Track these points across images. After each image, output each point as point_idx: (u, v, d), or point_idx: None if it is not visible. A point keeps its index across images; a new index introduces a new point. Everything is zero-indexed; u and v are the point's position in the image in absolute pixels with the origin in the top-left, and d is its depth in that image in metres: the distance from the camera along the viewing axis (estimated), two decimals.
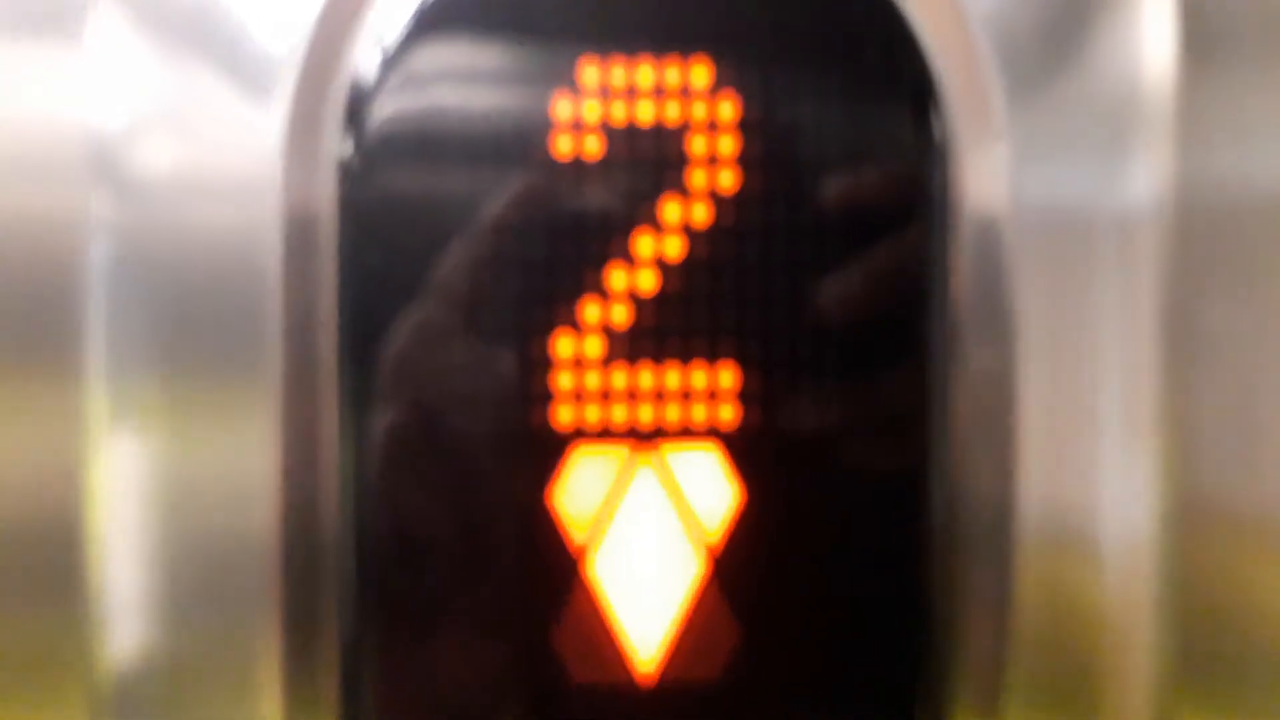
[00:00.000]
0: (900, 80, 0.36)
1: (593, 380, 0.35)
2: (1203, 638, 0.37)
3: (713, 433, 0.36)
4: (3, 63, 0.36)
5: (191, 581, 0.36)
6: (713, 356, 0.36)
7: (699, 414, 0.36)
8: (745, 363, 0.36)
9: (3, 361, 0.36)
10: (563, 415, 0.35)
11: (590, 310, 0.35)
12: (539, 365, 0.35)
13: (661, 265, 0.35)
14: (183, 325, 0.36)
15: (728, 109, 0.35)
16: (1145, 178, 0.38)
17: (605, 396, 0.36)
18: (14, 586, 0.36)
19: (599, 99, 0.35)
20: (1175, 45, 0.37)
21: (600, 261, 0.35)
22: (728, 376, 0.36)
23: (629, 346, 0.35)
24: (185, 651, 0.36)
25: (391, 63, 0.35)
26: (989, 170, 0.37)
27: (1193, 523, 0.37)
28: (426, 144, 0.35)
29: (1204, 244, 0.37)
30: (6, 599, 0.36)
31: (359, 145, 0.35)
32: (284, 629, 0.36)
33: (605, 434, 0.36)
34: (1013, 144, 0.37)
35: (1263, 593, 0.38)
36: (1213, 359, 0.37)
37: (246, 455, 0.36)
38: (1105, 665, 0.38)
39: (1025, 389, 0.37)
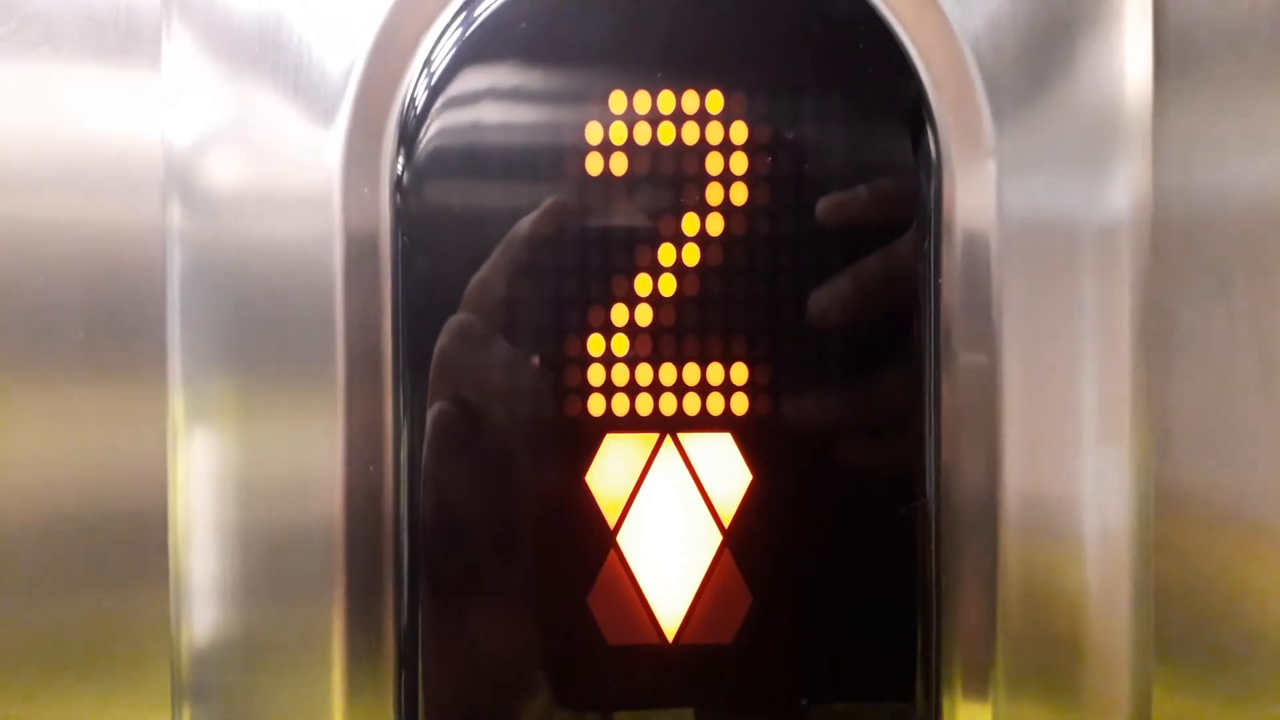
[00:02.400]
0: (897, 103, 0.38)
1: (621, 375, 0.37)
2: (1178, 621, 0.39)
3: (727, 422, 0.38)
4: (85, 84, 0.37)
5: (262, 567, 0.38)
6: (726, 353, 0.37)
7: (714, 405, 0.38)
8: (755, 359, 0.37)
9: (92, 364, 0.37)
10: (596, 406, 0.37)
11: (619, 312, 0.37)
12: (575, 362, 0.37)
13: (681, 272, 0.37)
14: (252, 329, 0.38)
15: (739, 131, 0.37)
16: (1124, 190, 0.39)
17: (633, 390, 0.37)
18: (105, 573, 0.37)
19: (626, 124, 0.37)
20: (1153, 65, 0.39)
21: (628, 268, 0.37)
22: (740, 372, 0.37)
23: (653, 345, 0.37)
24: (257, 633, 0.38)
25: (440, 88, 0.37)
26: (978, 184, 0.39)
27: (1168, 513, 0.39)
28: (472, 162, 0.37)
29: (1179, 251, 0.39)
30: (98, 584, 0.37)
31: (410, 163, 0.37)
32: (347, 608, 0.38)
33: (633, 423, 0.37)
34: (1000, 160, 0.39)
35: (1235, 579, 0.39)
36: (1187, 359, 0.39)
37: (312, 449, 0.38)
38: (1086, 646, 0.40)
39: (1010, 387, 0.39)
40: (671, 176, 0.37)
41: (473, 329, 0.37)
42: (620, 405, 0.37)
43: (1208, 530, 0.39)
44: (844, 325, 0.37)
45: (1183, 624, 0.39)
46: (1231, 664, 0.39)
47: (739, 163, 0.37)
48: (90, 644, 0.37)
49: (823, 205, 0.37)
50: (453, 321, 0.37)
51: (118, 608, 0.37)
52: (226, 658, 0.38)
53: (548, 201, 0.37)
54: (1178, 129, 0.39)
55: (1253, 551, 0.39)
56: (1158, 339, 0.39)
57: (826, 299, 0.37)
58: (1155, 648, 0.39)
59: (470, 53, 0.37)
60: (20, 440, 0.37)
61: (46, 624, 0.37)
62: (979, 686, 0.39)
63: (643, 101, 0.37)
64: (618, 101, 0.37)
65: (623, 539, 0.38)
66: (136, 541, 0.37)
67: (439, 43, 0.38)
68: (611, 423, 0.37)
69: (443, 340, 0.37)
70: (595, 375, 0.37)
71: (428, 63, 0.38)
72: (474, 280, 0.37)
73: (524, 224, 0.37)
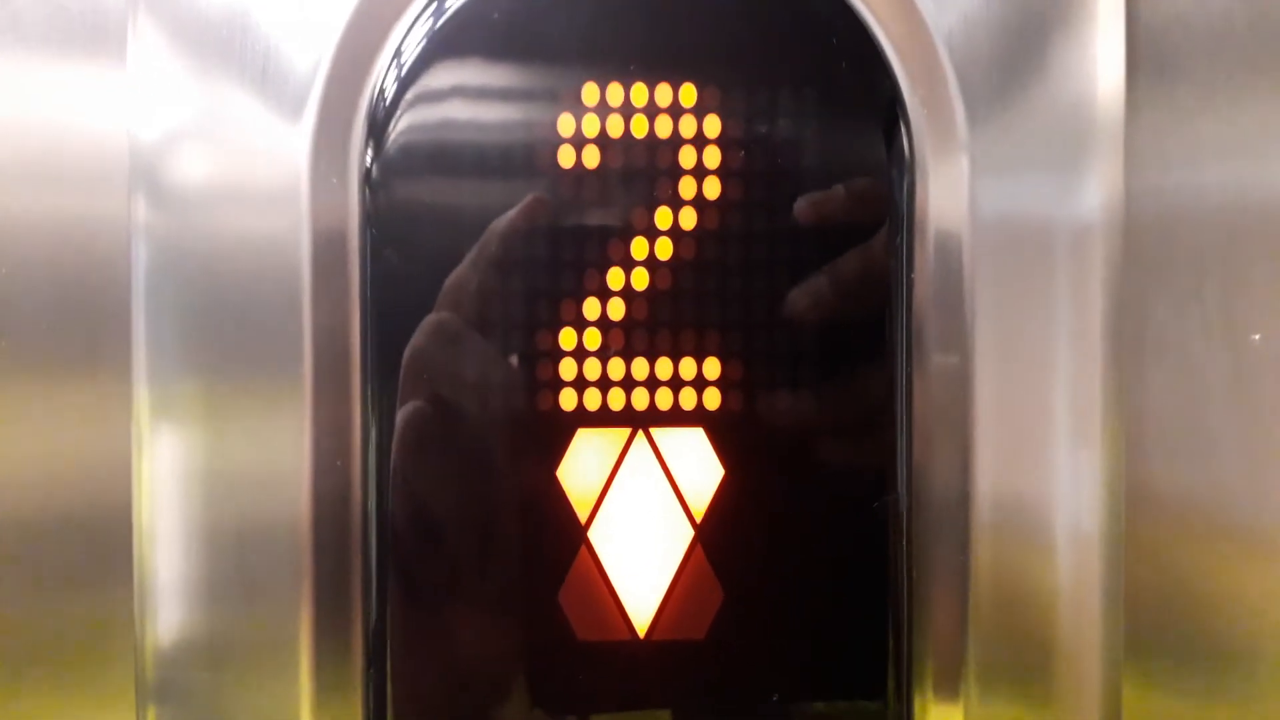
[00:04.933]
0: (871, 99, 0.38)
1: (594, 370, 0.37)
2: (1148, 621, 0.39)
3: (699, 417, 0.38)
4: (50, 79, 0.37)
5: (229, 567, 0.38)
6: (699, 348, 0.37)
7: (687, 400, 0.38)
8: (728, 354, 0.37)
9: (55, 360, 0.37)
10: (568, 401, 0.37)
11: (591, 306, 0.37)
12: (548, 356, 0.37)
13: (653, 266, 0.37)
14: (218, 326, 0.38)
15: (712, 125, 0.37)
16: (1097, 190, 0.39)
17: (605, 384, 0.37)
18: (68, 573, 0.37)
19: (598, 116, 0.37)
20: (1126, 67, 0.39)
21: (600, 262, 0.37)
22: (712, 366, 0.37)
23: (625, 339, 0.37)
24: (223, 633, 0.38)
25: (410, 80, 0.37)
26: (951, 183, 0.39)
27: (1140, 513, 0.39)
28: (442, 155, 0.37)
29: (1152, 252, 0.39)
30: (62, 585, 0.37)
31: (380, 156, 0.37)
32: (315, 607, 0.38)
33: (605, 418, 0.37)
34: (973, 158, 0.39)
35: (1206, 579, 0.39)
36: (1160, 360, 0.39)
37: (279, 448, 0.38)
38: (1057, 645, 0.40)
39: (982, 385, 0.39)
40: (644, 170, 0.37)
41: (451, 327, 0.37)
42: (592, 400, 0.37)
43: (1178, 530, 0.39)
44: (817, 321, 0.37)
45: (1153, 623, 0.39)
46: (1201, 663, 0.39)
47: (712, 157, 0.37)
48: (53, 644, 0.37)
49: (799, 205, 0.37)
50: (430, 320, 0.37)
51: (81, 608, 0.37)
52: (192, 658, 0.38)
53: (527, 199, 0.37)
54: (1151, 129, 0.39)
55: (1223, 552, 0.39)
56: (1130, 340, 0.39)
57: (799, 295, 0.37)
58: (1125, 647, 0.39)
59: (441, 44, 0.37)
60: None
61: (8, 624, 0.37)
62: (950, 685, 0.39)
63: (615, 94, 0.37)
64: (590, 94, 0.37)
65: (594, 534, 0.38)
66: (100, 541, 0.37)
67: (409, 34, 0.37)
68: (583, 417, 0.37)
69: (418, 339, 0.37)
70: (567, 369, 0.37)
71: (397, 54, 0.37)
72: (451, 278, 0.37)
73: (502, 221, 0.37)
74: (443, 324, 0.37)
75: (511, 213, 0.37)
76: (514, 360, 0.37)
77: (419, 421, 0.37)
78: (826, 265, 0.37)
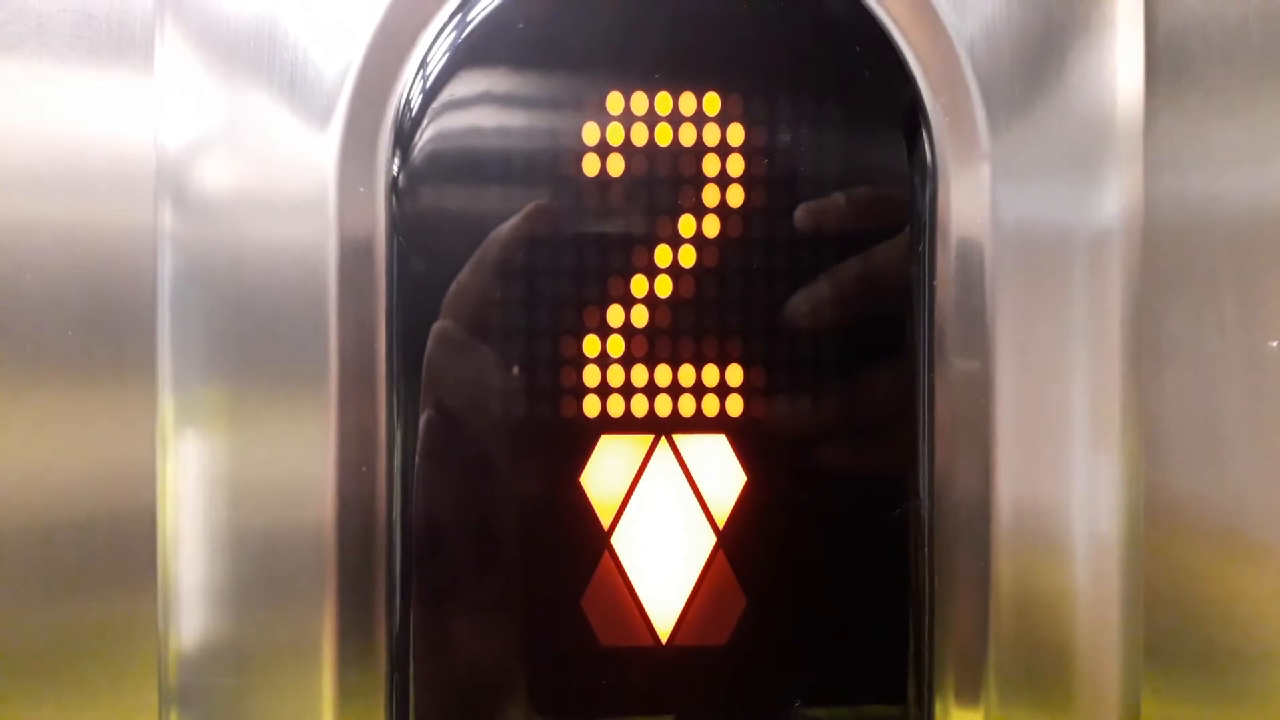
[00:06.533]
0: (893, 107, 0.39)
1: (617, 377, 0.37)
2: (1167, 627, 0.39)
3: (722, 424, 0.38)
4: (77, 87, 0.37)
5: (253, 572, 0.38)
6: (722, 355, 0.38)
7: (710, 407, 0.38)
8: (750, 361, 0.38)
9: (82, 366, 0.37)
10: (591, 408, 0.37)
11: (615, 313, 0.37)
12: (571, 363, 0.37)
13: (677, 273, 0.37)
14: (244, 333, 0.38)
15: (736, 133, 0.37)
16: (1115, 197, 0.40)
17: (628, 391, 0.37)
18: (93, 576, 0.37)
19: (623, 125, 0.37)
20: (1144, 74, 0.39)
21: (624, 269, 0.37)
22: (735, 373, 0.38)
23: (648, 346, 0.37)
24: (246, 637, 0.38)
25: (436, 90, 0.37)
26: (972, 190, 0.39)
27: (1158, 520, 0.39)
28: (468, 164, 0.37)
29: (1170, 259, 0.39)
30: (85, 589, 0.37)
31: (406, 165, 0.37)
32: (339, 612, 0.38)
33: (628, 424, 0.37)
34: (994, 165, 0.39)
35: (1223, 585, 0.39)
36: (1178, 366, 0.39)
37: (304, 453, 0.38)
38: (1077, 651, 0.40)
39: (1002, 391, 0.39)
40: (668, 178, 0.37)
41: (456, 334, 0.37)
42: (615, 406, 0.37)
43: (1197, 536, 0.39)
44: (839, 328, 0.38)
45: (1172, 629, 0.39)
46: (1219, 669, 0.39)
47: (735, 165, 0.38)
48: (77, 648, 0.37)
49: (798, 213, 0.38)
50: (435, 328, 0.37)
51: (106, 612, 0.37)
52: (215, 662, 0.38)
53: (528, 206, 0.37)
54: (1169, 136, 0.39)
55: (1241, 557, 0.39)
56: (1148, 345, 0.39)
57: (821, 301, 0.38)
58: (1145, 652, 0.39)
59: (466, 54, 0.37)
60: (8, 442, 0.37)
61: (33, 627, 0.37)
62: (971, 690, 0.40)
63: (640, 103, 0.37)
64: (615, 103, 0.37)
65: (617, 540, 0.38)
66: (124, 545, 0.37)
67: (434, 44, 0.38)
68: (607, 424, 0.37)
69: (431, 346, 0.37)
70: (591, 376, 0.37)
71: (423, 64, 0.38)
72: (453, 285, 0.37)
73: (503, 229, 0.37)
74: (444, 332, 0.37)
75: (513, 220, 0.37)
76: (538, 367, 0.37)
77: (441, 425, 0.37)
78: (848, 272, 0.38)
